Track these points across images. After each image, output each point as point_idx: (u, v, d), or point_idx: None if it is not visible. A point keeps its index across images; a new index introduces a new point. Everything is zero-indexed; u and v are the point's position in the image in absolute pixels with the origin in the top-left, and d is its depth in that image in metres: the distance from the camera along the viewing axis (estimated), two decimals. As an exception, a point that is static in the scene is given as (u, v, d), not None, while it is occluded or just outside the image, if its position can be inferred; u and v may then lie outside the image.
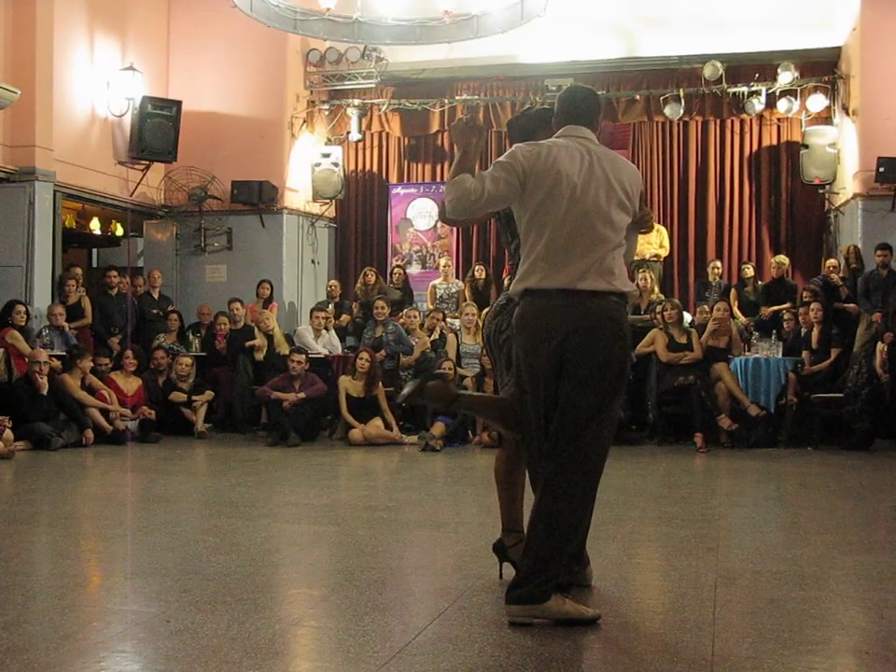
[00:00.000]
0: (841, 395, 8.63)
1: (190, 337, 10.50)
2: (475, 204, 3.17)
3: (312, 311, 10.45)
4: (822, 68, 11.22)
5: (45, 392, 8.34)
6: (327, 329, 10.19)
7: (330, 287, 11.58)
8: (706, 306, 9.65)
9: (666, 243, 11.21)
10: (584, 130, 3.30)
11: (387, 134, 12.75)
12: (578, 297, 3.14)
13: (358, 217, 12.95)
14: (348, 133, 12.36)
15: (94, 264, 14.65)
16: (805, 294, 9.67)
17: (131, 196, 11.42)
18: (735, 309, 10.24)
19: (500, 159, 3.22)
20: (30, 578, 3.81)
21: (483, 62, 11.72)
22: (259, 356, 9.84)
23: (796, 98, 11.12)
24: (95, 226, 13.35)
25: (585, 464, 3.11)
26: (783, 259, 10.66)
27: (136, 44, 11.50)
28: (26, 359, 8.56)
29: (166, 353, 9.68)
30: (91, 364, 8.95)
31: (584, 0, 11.23)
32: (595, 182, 3.19)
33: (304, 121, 12.20)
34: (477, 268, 11.24)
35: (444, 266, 11.47)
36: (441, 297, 11.21)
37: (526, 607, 3.06)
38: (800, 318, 9.37)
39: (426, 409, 8.99)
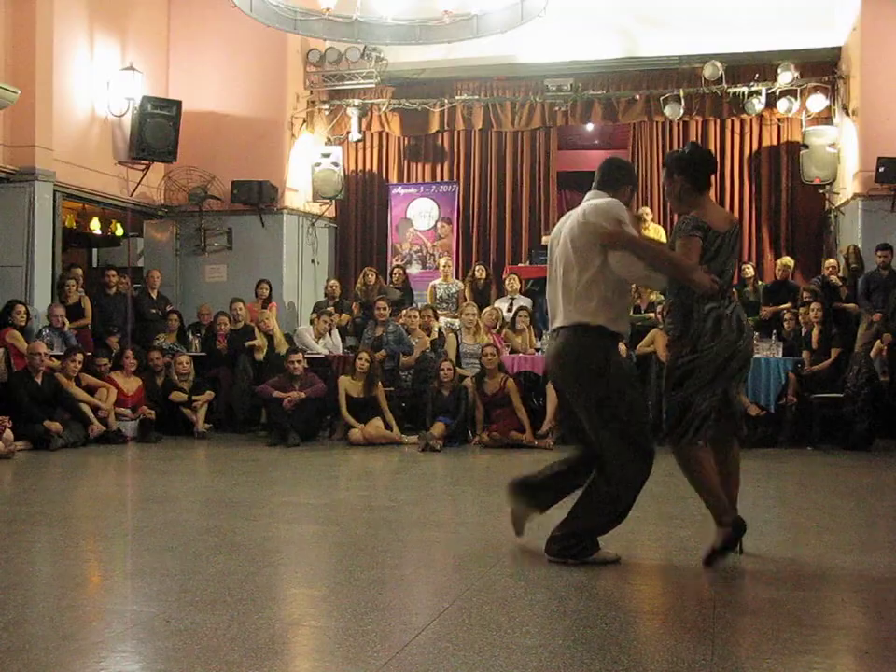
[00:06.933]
0: (841, 395, 8.64)
1: (190, 337, 10.50)
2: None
3: (318, 314, 10.33)
4: (822, 68, 11.23)
5: (40, 381, 8.34)
6: (329, 332, 10.19)
7: (330, 287, 11.50)
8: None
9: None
10: (599, 193, 4.02)
11: (387, 134, 12.75)
12: (554, 333, 4.05)
13: (358, 217, 12.95)
14: (348, 132, 12.37)
15: (94, 264, 14.66)
16: (804, 294, 9.67)
17: (131, 196, 11.42)
18: (735, 309, 10.21)
19: None
20: (30, 578, 3.81)
21: (483, 62, 11.73)
22: (259, 356, 9.84)
23: (796, 98, 11.13)
24: (95, 226, 13.39)
25: (604, 467, 4.03)
26: (788, 260, 10.62)
27: (136, 44, 11.51)
28: (26, 352, 8.55)
29: (162, 353, 9.66)
30: (80, 364, 8.84)
31: (584, 0, 11.24)
32: (561, 236, 4.02)
33: (304, 121, 12.21)
34: (477, 268, 11.23)
35: (444, 266, 11.45)
36: (440, 297, 11.19)
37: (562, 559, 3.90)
38: (800, 318, 9.37)
39: (426, 409, 8.99)
